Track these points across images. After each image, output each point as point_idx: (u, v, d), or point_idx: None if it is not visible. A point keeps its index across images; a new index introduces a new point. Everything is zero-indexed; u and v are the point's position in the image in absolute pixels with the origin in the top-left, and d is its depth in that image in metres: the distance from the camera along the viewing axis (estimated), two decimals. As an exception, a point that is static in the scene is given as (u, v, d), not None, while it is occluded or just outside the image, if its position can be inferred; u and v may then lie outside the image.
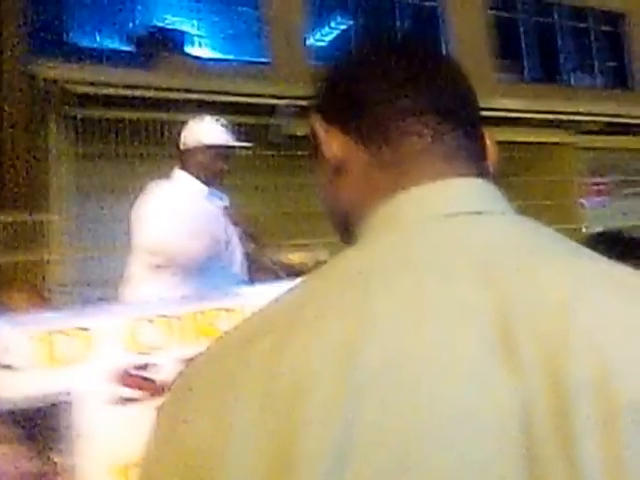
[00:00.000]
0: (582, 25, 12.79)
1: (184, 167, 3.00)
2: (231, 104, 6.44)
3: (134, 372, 1.77)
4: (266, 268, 3.11)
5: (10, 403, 1.54)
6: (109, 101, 6.92)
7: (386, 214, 0.65)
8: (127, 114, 7.14)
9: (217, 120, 3.06)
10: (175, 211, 2.82)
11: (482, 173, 0.68)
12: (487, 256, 0.58)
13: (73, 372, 1.77)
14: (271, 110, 7.84)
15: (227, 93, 7.15)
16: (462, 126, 0.70)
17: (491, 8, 11.58)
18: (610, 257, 0.65)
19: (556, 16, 12.57)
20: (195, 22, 9.27)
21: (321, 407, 0.49)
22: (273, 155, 7.85)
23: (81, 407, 1.67)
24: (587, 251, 0.64)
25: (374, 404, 0.49)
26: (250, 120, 6.80)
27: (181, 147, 3.03)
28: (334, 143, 0.71)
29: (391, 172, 0.68)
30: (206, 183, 2.98)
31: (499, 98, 8.85)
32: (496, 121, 7.58)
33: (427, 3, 11.14)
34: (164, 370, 1.81)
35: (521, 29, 12.20)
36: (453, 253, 0.59)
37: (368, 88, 0.71)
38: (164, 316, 1.87)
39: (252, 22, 9.54)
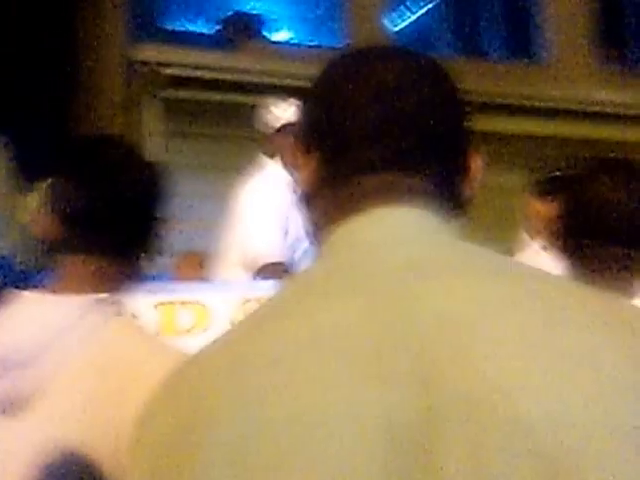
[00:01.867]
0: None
1: (268, 152, 2.91)
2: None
3: None
4: None
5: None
6: (195, 83, 7.29)
7: (332, 239, 0.71)
8: (211, 96, 7.50)
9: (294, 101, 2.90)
10: (266, 205, 2.77)
11: (429, 205, 0.71)
12: (385, 280, 0.62)
13: (191, 343, 1.79)
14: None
15: (305, 78, 7.37)
16: (419, 170, 0.72)
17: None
18: None
19: None
20: (275, 6, 9.52)
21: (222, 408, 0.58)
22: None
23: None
24: (515, 273, 0.67)
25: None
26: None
27: (266, 130, 2.91)
28: (307, 170, 0.76)
29: (346, 198, 0.72)
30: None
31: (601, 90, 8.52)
32: (599, 117, 7.27)
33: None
34: None
35: (627, 13, 10.67)
36: (375, 276, 0.63)
37: (335, 120, 0.74)
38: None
39: (331, 6, 9.74)
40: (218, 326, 1.84)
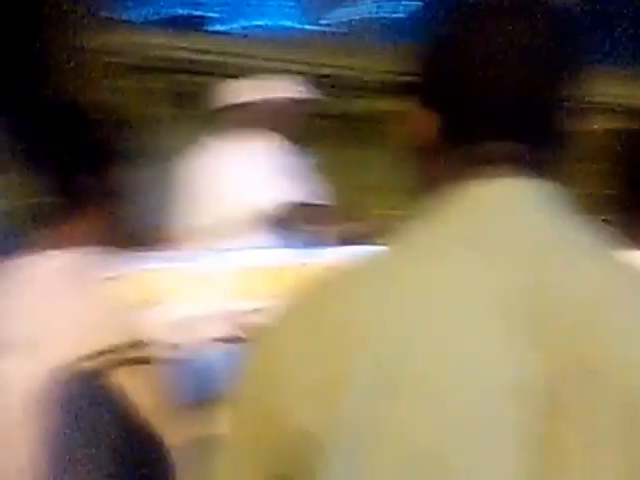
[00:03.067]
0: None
1: (249, 123, 2.92)
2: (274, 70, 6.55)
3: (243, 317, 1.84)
4: (334, 232, 3.07)
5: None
6: (150, 69, 7.14)
7: (455, 199, 0.71)
8: (166, 81, 7.34)
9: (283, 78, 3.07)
10: (255, 167, 2.80)
11: (542, 175, 0.72)
12: (534, 245, 0.66)
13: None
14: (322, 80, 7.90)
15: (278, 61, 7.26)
16: (532, 139, 0.73)
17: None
18: None
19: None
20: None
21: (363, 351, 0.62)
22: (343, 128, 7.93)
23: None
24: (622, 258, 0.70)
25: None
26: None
27: (242, 101, 2.94)
28: (425, 125, 0.76)
29: (464, 162, 0.73)
30: (280, 139, 2.94)
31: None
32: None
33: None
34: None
35: None
36: (501, 242, 0.66)
37: (468, 83, 0.73)
38: (277, 267, 1.94)
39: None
40: (214, 296, 1.87)
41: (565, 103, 0.74)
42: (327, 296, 0.68)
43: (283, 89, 2.95)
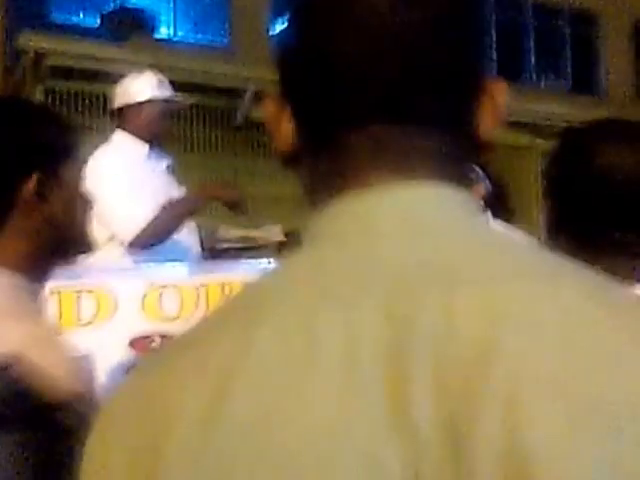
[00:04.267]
0: (552, 25, 12.41)
1: (124, 126, 2.74)
2: (194, 85, 6.88)
3: (151, 340, 1.69)
4: (225, 240, 2.91)
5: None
6: (81, 74, 7.32)
7: (316, 225, 0.55)
8: (93, 88, 7.54)
9: (155, 74, 2.84)
10: (118, 178, 2.56)
11: (445, 174, 0.53)
12: (400, 282, 0.48)
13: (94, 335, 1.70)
14: (233, 94, 8.23)
15: (190, 73, 7.55)
16: (422, 117, 0.53)
17: None
18: None
19: (527, 15, 12.23)
20: (160, 3, 9.63)
21: (184, 443, 0.46)
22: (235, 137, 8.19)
23: (98, 371, 1.60)
24: (563, 273, 0.51)
25: (239, 466, 0.45)
26: (212, 102, 7.18)
27: (119, 104, 2.78)
28: (284, 128, 0.58)
29: (331, 172, 0.55)
30: (149, 143, 2.73)
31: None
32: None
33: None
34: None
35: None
36: (363, 278, 0.49)
37: (310, 58, 0.55)
38: (186, 285, 1.75)
39: (214, 5, 9.93)
40: (123, 315, 1.68)
41: (470, 87, 0.55)
42: (153, 364, 0.53)
43: (158, 86, 2.78)
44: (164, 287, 1.78)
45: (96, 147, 2.64)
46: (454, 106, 0.55)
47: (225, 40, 9.92)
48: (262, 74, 8.53)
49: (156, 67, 7.58)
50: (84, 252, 1.17)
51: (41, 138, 1.08)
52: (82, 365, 0.97)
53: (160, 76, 2.84)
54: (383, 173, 0.53)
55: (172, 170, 2.88)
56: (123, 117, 2.78)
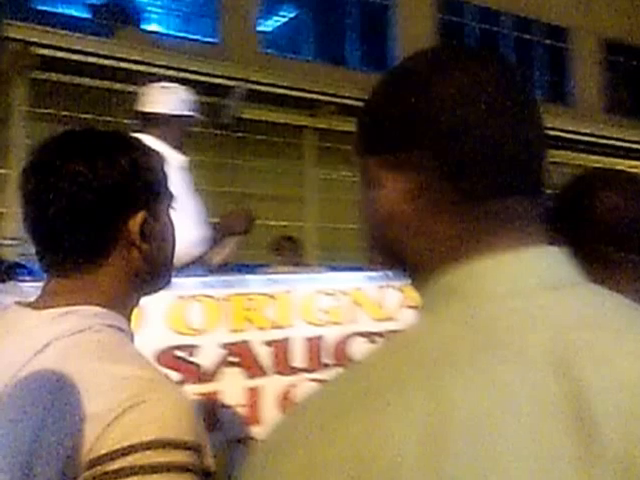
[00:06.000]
0: (525, 37, 12.96)
1: (152, 132, 2.66)
2: (181, 80, 6.83)
3: (177, 353, 1.70)
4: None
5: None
6: (67, 66, 7.26)
7: (458, 283, 0.60)
8: (81, 80, 7.49)
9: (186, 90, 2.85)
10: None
11: (551, 238, 0.63)
12: (560, 336, 0.54)
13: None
14: (220, 91, 8.21)
15: (178, 69, 7.52)
16: (531, 184, 0.63)
17: (439, 11, 11.95)
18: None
19: (501, 25, 12.76)
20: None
21: None
22: (222, 135, 8.17)
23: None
24: None
25: None
26: (200, 99, 7.11)
27: (151, 110, 2.75)
28: (396, 187, 0.63)
29: (467, 228, 0.61)
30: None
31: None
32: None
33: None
34: (208, 354, 1.73)
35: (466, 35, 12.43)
36: (525, 334, 0.54)
37: (449, 115, 0.61)
38: (211, 297, 1.76)
39: (204, 2, 9.91)
40: (151, 326, 1.68)
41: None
42: (340, 421, 0.54)
43: (184, 102, 2.81)
44: (189, 299, 1.77)
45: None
46: (539, 175, 0.65)
47: (215, 36, 9.89)
48: (251, 72, 8.59)
49: (143, 62, 7.70)
50: (167, 287, 1.14)
51: (148, 176, 1.06)
52: (196, 409, 0.93)
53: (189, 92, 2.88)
54: (512, 238, 0.61)
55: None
56: (155, 122, 2.73)
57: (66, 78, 7.48)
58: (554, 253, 0.61)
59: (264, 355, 1.82)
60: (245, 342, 1.82)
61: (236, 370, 1.79)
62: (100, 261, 1.02)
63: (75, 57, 7.43)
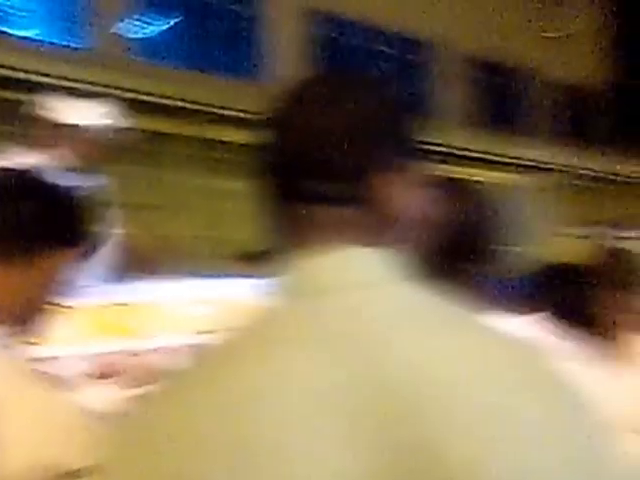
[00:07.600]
0: (389, 51, 13.17)
1: (62, 145, 2.67)
2: (49, 87, 6.71)
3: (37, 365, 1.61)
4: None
5: None
6: None
7: (286, 282, 0.69)
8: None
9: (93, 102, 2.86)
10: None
11: (370, 241, 0.68)
12: (350, 330, 0.60)
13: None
14: (92, 97, 8.04)
15: (48, 75, 7.35)
16: (348, 193, 0.69)
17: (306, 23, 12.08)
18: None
19: (370, 40, 12.89)
20: (20, 3, 9.33)
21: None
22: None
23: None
24: (469, 322, 0.67)
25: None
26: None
27: (63, 121, 2.71)
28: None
29: (295, 236, 0.70)
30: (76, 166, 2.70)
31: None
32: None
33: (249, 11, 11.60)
34: (64, 365, 1.78)
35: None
36: (329, 328, 0.61)
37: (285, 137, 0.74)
38: (69, 307, 1.70)
39: (74, 8, 9.70)
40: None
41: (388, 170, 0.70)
42: (159, 405, 0.67)
43: (100, 114, 2.83)
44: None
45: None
46: (355, 190, 0.69)
47: (84, 42, 9.70)
48: (121, 80, 8.45)
49: (15, 68, 7.43)
50: None
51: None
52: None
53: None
54: (331, 239, 0.68)
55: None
56: (67, 134, 2.73)
57: None
58: (368, 253, 0.67)
59: (132, 366, 1.83)
60: (111, 353, 1.86)
61: (102, 382, 1.81)
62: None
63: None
